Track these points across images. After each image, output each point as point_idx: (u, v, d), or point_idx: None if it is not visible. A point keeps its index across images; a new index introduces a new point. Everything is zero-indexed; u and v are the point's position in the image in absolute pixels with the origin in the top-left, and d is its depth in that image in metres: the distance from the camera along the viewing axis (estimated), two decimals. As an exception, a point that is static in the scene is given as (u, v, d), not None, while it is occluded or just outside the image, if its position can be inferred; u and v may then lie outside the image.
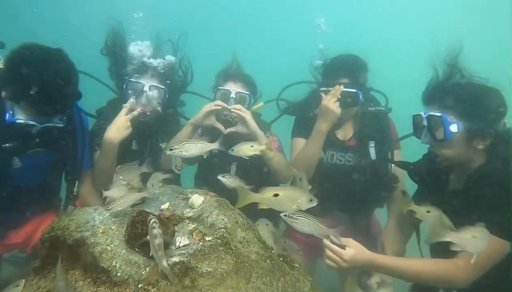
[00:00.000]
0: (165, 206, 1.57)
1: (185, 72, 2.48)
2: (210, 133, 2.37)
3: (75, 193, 2.20)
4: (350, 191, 2.32)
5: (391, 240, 2.11)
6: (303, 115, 2.45)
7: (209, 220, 1.46)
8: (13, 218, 2.12)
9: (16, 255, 2.41)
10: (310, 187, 2.22)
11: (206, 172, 2.53)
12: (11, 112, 1.75)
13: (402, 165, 2.02)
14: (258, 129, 2.24)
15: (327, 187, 2.31)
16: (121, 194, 1.57)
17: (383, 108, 2.37)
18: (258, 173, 2.38)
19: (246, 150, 1.93)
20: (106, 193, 1.63)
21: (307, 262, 2.45)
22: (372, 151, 2.28)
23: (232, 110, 2.25)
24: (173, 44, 2.39)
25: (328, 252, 1.60)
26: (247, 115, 2.24)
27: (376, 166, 2.26)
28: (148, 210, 1.46)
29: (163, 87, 2.30)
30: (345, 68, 2.26)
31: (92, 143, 2.28)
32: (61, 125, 1.89)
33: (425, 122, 1.73)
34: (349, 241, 1.61)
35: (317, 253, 2.52)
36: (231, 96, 2.36)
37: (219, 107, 2.25)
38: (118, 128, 2.06)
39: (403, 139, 2.38)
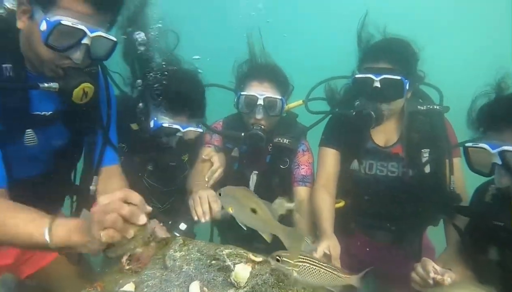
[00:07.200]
0: (195, 287, 1.03)
1: None
2: (232, 139, 2.06)
3: (91, 193, 1.62)
4: (394, 207, 1.92)
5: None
6: (336, 117, 2.02)
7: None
8: None
9: (5, 279, 1.99)
10: (341, 203, 1.98)
11: (225, 178, 2.05)
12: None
13: (463, 210, 1.57)
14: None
15: (365, 202, 1.97)
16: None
17: (438, 107, 1.85)
18: (281, 184, 2.04)
19: None
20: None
21: None
22: (426, 162, 1.82)
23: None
24: None
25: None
26: None
27: (429, 179, 1.82)
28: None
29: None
30: (387, 51, 1.76)
31: None
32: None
33: (497, 160, 1.24)
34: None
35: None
36: (258, 103, 1.87)
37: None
38: None
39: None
